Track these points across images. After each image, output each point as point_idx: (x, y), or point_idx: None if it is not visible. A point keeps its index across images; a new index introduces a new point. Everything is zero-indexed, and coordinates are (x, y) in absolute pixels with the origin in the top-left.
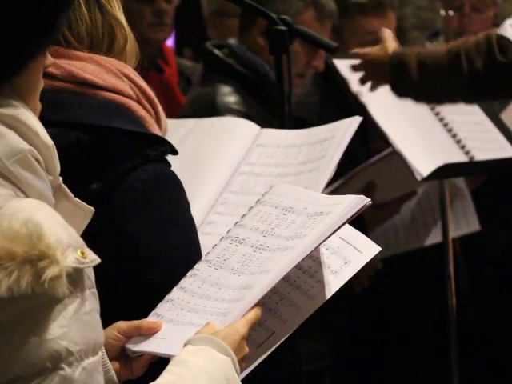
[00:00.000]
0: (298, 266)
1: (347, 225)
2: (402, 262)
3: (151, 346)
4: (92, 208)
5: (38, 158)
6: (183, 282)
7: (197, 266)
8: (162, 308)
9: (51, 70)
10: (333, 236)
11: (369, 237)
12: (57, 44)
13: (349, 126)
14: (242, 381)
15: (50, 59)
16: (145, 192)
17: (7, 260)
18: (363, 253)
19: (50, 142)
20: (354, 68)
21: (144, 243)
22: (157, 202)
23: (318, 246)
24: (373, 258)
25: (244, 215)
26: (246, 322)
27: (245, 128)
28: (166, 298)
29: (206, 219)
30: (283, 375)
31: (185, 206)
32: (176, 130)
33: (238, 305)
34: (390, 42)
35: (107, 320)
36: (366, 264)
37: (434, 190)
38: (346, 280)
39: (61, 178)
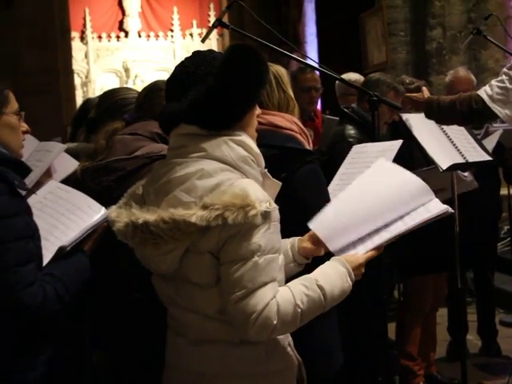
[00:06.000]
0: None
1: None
2: None
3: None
4: (280, 183)
5: (252, 159)
6: None
7: None
8: None
9: (260, 119)
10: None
11: None
12: (261, 107)
13: (397, 143)
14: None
15: (258, 110)
16: (307, 177)
17: (232, 207)
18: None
19: (258, 151)
20: (406, 102)
21: (308, 202)
22: (313, 182)
23: (416, 227)
24: None
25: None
26: (366, 257)
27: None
28: None
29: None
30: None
31: (325, 185)
32: None
33: (365, 246)
34: (426, 94)
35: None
36: None
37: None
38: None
39: (266, 170)
